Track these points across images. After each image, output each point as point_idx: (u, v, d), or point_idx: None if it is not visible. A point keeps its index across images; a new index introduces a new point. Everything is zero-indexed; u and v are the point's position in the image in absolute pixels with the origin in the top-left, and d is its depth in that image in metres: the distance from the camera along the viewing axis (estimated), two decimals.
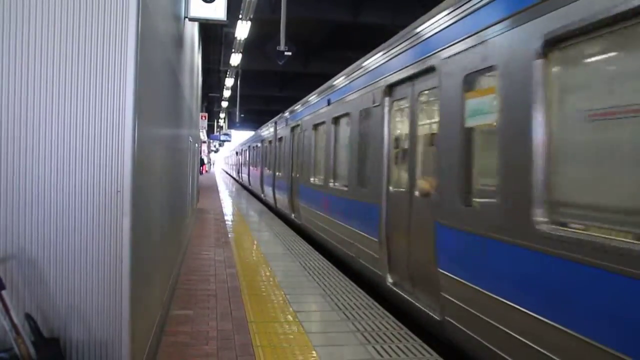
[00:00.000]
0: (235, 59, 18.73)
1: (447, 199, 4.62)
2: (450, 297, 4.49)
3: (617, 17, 2.81)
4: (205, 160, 44.36)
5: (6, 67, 2.80)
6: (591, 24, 2.97)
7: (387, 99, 6.34)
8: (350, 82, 8.06)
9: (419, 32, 5.41)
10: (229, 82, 25.90)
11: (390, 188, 6.21)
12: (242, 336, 4.67)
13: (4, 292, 2.71)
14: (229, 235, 10.77)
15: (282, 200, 14.69)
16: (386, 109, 6.35)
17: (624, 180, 2.90)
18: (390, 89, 6.27)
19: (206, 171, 48.75)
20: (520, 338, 3.48)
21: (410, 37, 5.64)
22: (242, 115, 40.18)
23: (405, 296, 5.57)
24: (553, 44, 3.29)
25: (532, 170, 3.40)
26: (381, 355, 4.30)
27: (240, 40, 16.04)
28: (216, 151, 68.27)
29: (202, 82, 18.67)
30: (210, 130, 43.63)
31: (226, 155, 64.36)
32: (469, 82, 4.36)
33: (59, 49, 2.86)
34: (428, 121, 5.36)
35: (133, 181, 2.97)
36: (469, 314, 4.18)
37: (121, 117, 2.93)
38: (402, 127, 6.10)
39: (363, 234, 6.98)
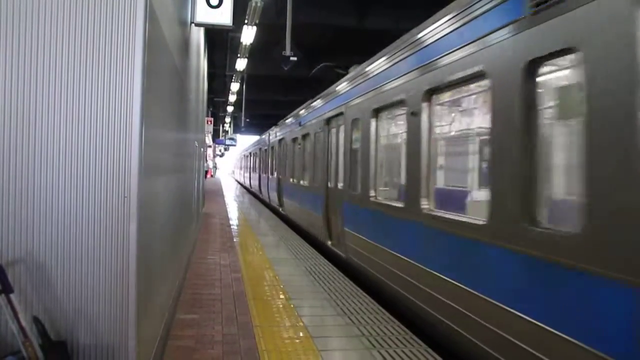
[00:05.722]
0: (241, 63, 18.76)
1: (347, 188, 8.27)
2: (348, 243, 7.90)
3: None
4: (210, 165, 44.32)
5: (15, 74, 2.84)
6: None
7: (326, 127, 10.03)
8: (312, 111, 11.74)
9: (338, 89, 9.14)
10: (235, 86, 25.92)
11: (329, 184, 9.84)
12: (248, 340, 4.68)
13: (12, 296, 2.74)
14: (234, 240, 10.80)
15: (273, 197, 18.31)
16: (326, 133, 10.08)
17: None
18: (327, 120, 9.92)
19: (211, 175, 48.72)
20: (377, 260, 6.48)
21: (334, 91, 9.41)
22: (248, 120, 40.23)
23: (335, 249, 8.95)
24: (378, 112, 6.78)
25: (369, 172, 7.00)
26: None
27: (245, 45, 16.07)
28: (221, 155, 68.36)
29: (207, 86, 18.75)
30: (215, 135, 43.71)
31: (233, 159, 64.37)
32: (354, 123, 7.96)
33: (66, 54, 2.89)
34: (342, 143, 8.73)
35: (140, 186, 2.99)
36: (356, 250, 7.50)
37: (128, 122, 2.96)
38: (333, 146, 9.69)
39: (315, 214, 10.71)
